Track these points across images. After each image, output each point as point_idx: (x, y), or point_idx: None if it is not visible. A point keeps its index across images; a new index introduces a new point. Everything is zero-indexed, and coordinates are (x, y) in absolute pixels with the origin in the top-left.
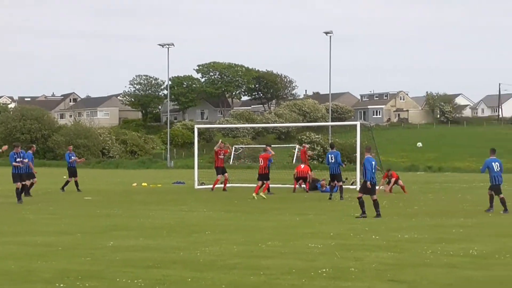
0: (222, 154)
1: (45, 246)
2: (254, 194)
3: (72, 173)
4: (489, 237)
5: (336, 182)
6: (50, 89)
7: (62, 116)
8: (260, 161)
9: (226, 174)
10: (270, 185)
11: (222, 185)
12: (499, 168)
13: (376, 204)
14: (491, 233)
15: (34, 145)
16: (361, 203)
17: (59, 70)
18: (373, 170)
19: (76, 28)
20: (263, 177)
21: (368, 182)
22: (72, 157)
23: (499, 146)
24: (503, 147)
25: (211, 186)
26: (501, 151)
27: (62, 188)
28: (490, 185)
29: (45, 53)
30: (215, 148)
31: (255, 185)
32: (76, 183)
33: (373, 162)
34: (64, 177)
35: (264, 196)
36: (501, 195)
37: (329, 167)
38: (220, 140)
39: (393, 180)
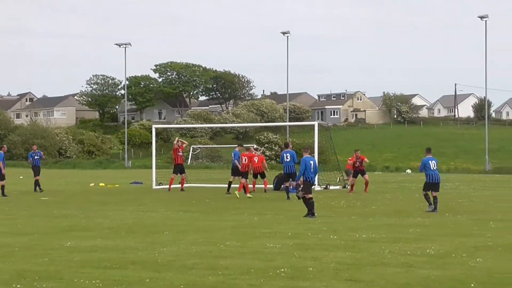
0: (181, 151)
1: (1, 247)
2: (264, 192)
3: (35, 172)
4: (446, 236)
5: (291, 181)
6: (6, 89)
7: (18, 116)
8: (255, 160)
9: (184, 174)
10: (228, 185)
11: (179, 185)
12: (435, 167)
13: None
14: (448, 233)
15: (5, 145)
16: (311, 204)
17: (15, 69)
18: (312, 170)
19: (31, 26)
20: (262, 175)
21: (301, 181)
22: (36, 157)
23: (455, 146)
24: (459, 147)
25: (166, 186)
26: (457, 151)
27: (39, 189)
28: (426, 183)
29: (1, 52)
30: (175, 143)
31: (211, 185)
32: (38, 183)
33: (311, 162)
34: (21, 177)
35: (238, 195)
36: (434, 194)
37: (284, 166)
38: (177, 138)
39: (364, 161)
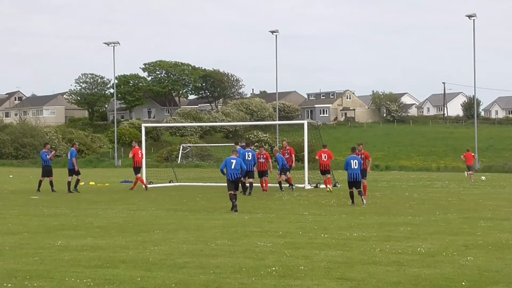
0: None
1: None
2: (329, 187)
3: (47, 172)
4: (437, 235)
5: (247, 178)
6: None
7: (7, 115)
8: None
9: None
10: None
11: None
12: (357, 166)
13: (234, 197)
14: (438, 231)
15: (76, 143)
16: (231, 197)
17: (3, 68)
18: (232, 167)
19: (19, 25)
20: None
21: (228, 179)
22: (48, 155)
23: (445, 145)
24: (449, 146)
25: (156, 185)
26: (446, 149)
27: (38, 189)
28: (348, 181)
29: None
30: (138, 148)
31: (202, 184)
32: (51, 183)
33: (233, 161)
34: (11, 176)
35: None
36: (359, 189)
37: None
38: (134, 141)
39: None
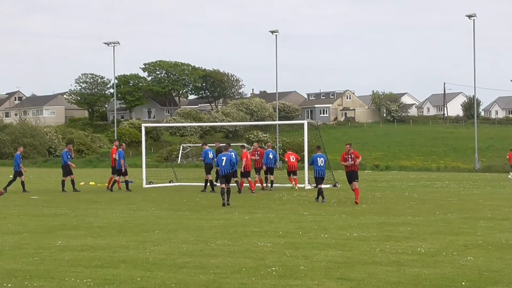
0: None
1: None
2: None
3: (67, 171)
4: (437, 235)
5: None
6: None
7: (7, 115)
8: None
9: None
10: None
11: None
12: (323, 163)
13: (228, 191)
14: (438, 231)
15: (124, 143)
16: (222, 191)
17: (4, 68)
18: (223, 164)
19: (19, 25)
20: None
21: (220, 174)
22: (68, 156)
23: (445, 145)
24: (449, 146)
25: (156, 185)
26: (446, 149)
27: (63, 190)
28: (315, 177)
29: None
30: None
31: (202, 184)
32: (73, 182)
33: (224, 158)
34: (11, 176)
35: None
36: (320, 186)
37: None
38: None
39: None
